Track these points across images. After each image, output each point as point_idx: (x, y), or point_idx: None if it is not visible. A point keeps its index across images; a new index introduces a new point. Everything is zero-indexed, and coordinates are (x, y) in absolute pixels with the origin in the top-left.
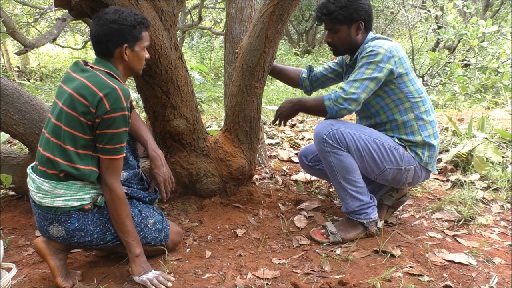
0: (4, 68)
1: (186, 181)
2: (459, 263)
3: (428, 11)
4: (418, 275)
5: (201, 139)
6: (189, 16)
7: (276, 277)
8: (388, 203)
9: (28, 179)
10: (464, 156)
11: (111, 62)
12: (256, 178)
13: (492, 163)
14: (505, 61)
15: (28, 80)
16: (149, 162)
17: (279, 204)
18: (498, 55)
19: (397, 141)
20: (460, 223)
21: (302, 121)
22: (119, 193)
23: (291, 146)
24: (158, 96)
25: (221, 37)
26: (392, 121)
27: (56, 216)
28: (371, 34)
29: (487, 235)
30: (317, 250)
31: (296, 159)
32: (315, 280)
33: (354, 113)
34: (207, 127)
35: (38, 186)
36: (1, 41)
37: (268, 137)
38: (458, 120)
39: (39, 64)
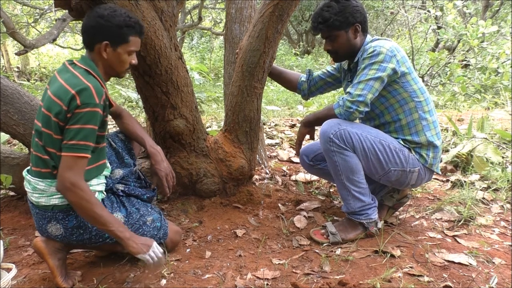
0: (4, 68)
1: (186, 181)
2: (459, 263)
3: (428, 11)
4: (418, 276)
5: (201, 140)
6: (189, 17)
7: (276, 278)
8: (389, 204)
9: (24, 182)
10: (464, 156)
11: (92, 57)
12: (256, 179)
13: (492, 163)
14: (504, 62)
15: (28, 80)
16: (149, 162)
17: (279, 205)
18: (498, 55)
19: (402, 143)
20: (460, 223)
21: None
22: (84, 187)
23: (291, 147)
24: (158, 96)
25: (221, 38)
26: (396, 121)
27: (54, 214)
28: (369, 37)
29: (487, 235)
30: (317, 251)
31: (296, 160)
32: (315, 281)
33: None
34: (207, 128)
35: (34, 187)
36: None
37: (268, 138)
38: (458, 120)
39: (39, 64)
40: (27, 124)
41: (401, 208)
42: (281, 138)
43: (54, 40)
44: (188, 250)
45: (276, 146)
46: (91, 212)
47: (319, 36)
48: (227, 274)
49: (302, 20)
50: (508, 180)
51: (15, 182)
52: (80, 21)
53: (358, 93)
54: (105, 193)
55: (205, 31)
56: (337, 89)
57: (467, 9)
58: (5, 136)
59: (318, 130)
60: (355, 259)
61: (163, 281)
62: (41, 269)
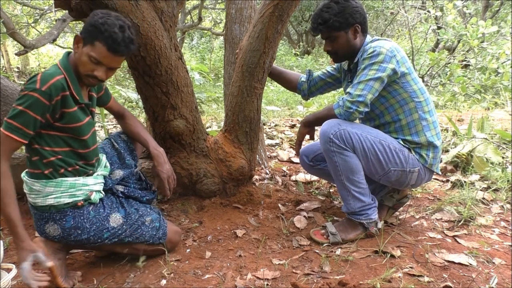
0: (4, 68)
1: (186, 181)
2: (459, 263)
3: (428, 11)
4: (418, 276)
5: (201, 140)
6: (189, 17)
7: (276, 278)
8: (389, 204)
9: (23, 183)
10: (464, 156)
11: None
12: (256, 179)
13: (492, 163)
14: (504, 62)
15: None
16: (149, 162)
17: (279, 205)
18: (498, 55)
19: (402, 143)
20: (460, 223)
21: None
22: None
23: (291, 147)
24: (158, 96)
25: (221, 38)
26: (396, 121)
27: (51, 215)
28: (369, 37)
29: (487, 235)
30: (317, 251)
31: (296, 160)
32: (315, 281)
33: None
34: (207, 128)
35: (30, 188)
36: (1, 42)
37: (268, 138)
38: (458, 120)
39: (39, 64)
40: None
41: (401, 208)
42: (281, 138)
43: (54, 40)
44: (188, 250)
45: (276, 147)
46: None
47: (319, 36)
48: (227, 274)
49: (302, 20)
50: (508, 180)
51: (15, 182)
52: (80, 22)
53: (358, 94)
54: (103, 193)
55: (205, 32)
56: (337, 90)
57: (467, 10)
58: None
59: (318, 130)
60: (355, 259)
61: (163, 281)
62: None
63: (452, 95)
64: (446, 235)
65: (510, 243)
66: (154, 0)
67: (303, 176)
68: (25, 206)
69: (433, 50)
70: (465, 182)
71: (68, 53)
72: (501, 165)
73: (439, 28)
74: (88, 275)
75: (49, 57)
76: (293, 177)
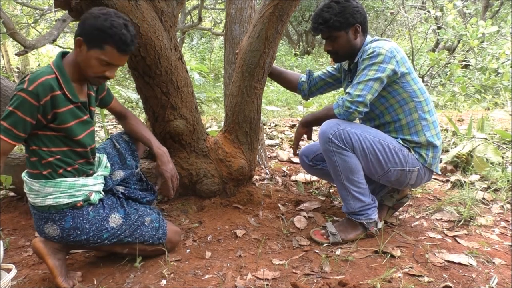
0: (4, 69)
1: (186, 181)
2: (459, 263)
3: (428, 11)
4: (418, 276)
5: (201, 140)
6: (189, 17)
7: (276, 278)
8: (389, 204)
9: (23, 183)
10: (464, 156)
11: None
12: (256, 179)
13: (492, 163)
14: (504, 62)
15: None
16: (149, 162)
17: (279, 205)
18: (498, 55)
19: (401, 142)
20: (460, 223)
21: None
22: None
23: (290, 147)
24: (158, 97)
25: (221, 38)
26: (396, 121)
27: (50, 215)
28: (369, 37)
29: (487, 235)
30: (317, 251)
31: (296, 160)
32: (315, 281)
33: None
34: (207, 128)
35: (30, 188)
36: (1, 42)
37: (268, 138)
38: (458, 120)
39: (39, 65)
40: None
41: (401, 208)
42: (281, 138)
43: (54, 40)
44: (188, 250)
45: (276, 147)
46: None
47: (319, 36)
48: (227, 274)
49: (302, 20)
50: (508, 180)
51: (15, 182)
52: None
53: (358, 94)
54: (103, 193)
55: (205, 32)
56: (337, 89)
57: (467, 10)
58: None
59: (318, 130)
60: (355, 259)
61: (163, 282)
62: (41, 269)
63: (452, 95)
64: (446, 235)
65: (510, 243)
66: (154, 0)
67: (303, 176)
68: (25, 206)
69: (433, 50)
70: (465, 182)
71: (63, 53)
72: (501, 165)
73: (439, 28)
74: (88, 275)
75: (49, 57)
76: (293, 177)
